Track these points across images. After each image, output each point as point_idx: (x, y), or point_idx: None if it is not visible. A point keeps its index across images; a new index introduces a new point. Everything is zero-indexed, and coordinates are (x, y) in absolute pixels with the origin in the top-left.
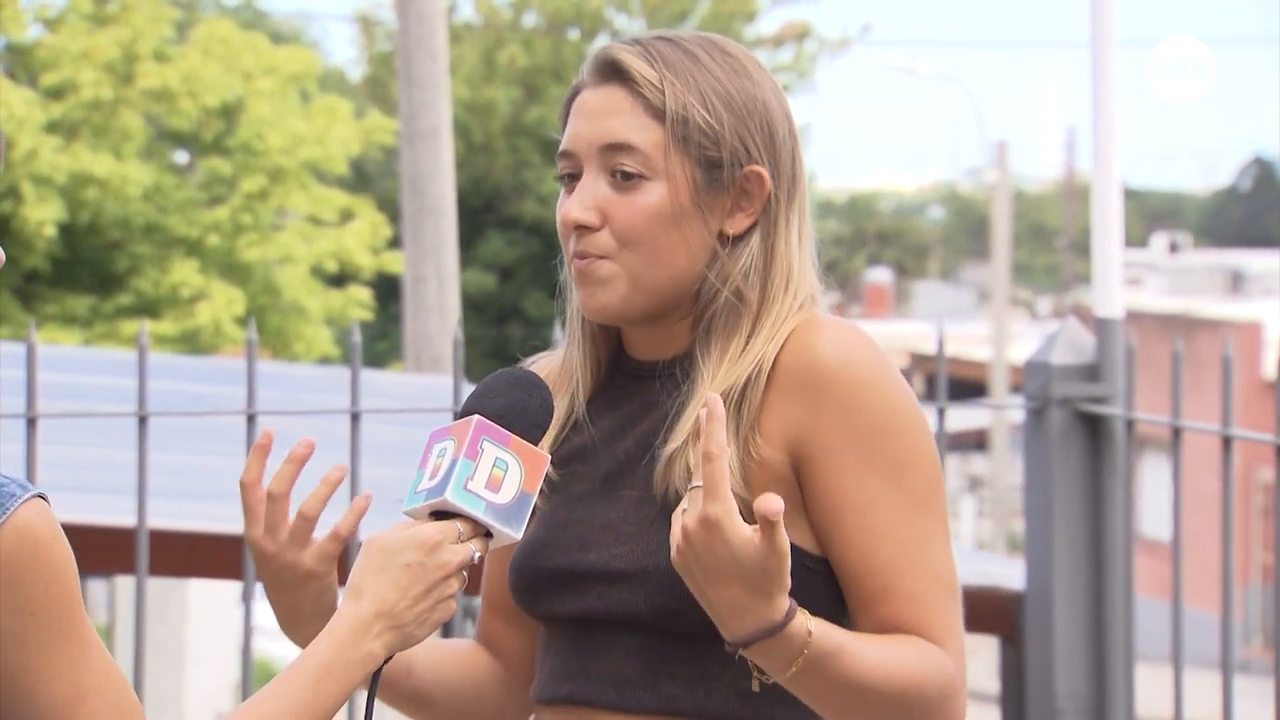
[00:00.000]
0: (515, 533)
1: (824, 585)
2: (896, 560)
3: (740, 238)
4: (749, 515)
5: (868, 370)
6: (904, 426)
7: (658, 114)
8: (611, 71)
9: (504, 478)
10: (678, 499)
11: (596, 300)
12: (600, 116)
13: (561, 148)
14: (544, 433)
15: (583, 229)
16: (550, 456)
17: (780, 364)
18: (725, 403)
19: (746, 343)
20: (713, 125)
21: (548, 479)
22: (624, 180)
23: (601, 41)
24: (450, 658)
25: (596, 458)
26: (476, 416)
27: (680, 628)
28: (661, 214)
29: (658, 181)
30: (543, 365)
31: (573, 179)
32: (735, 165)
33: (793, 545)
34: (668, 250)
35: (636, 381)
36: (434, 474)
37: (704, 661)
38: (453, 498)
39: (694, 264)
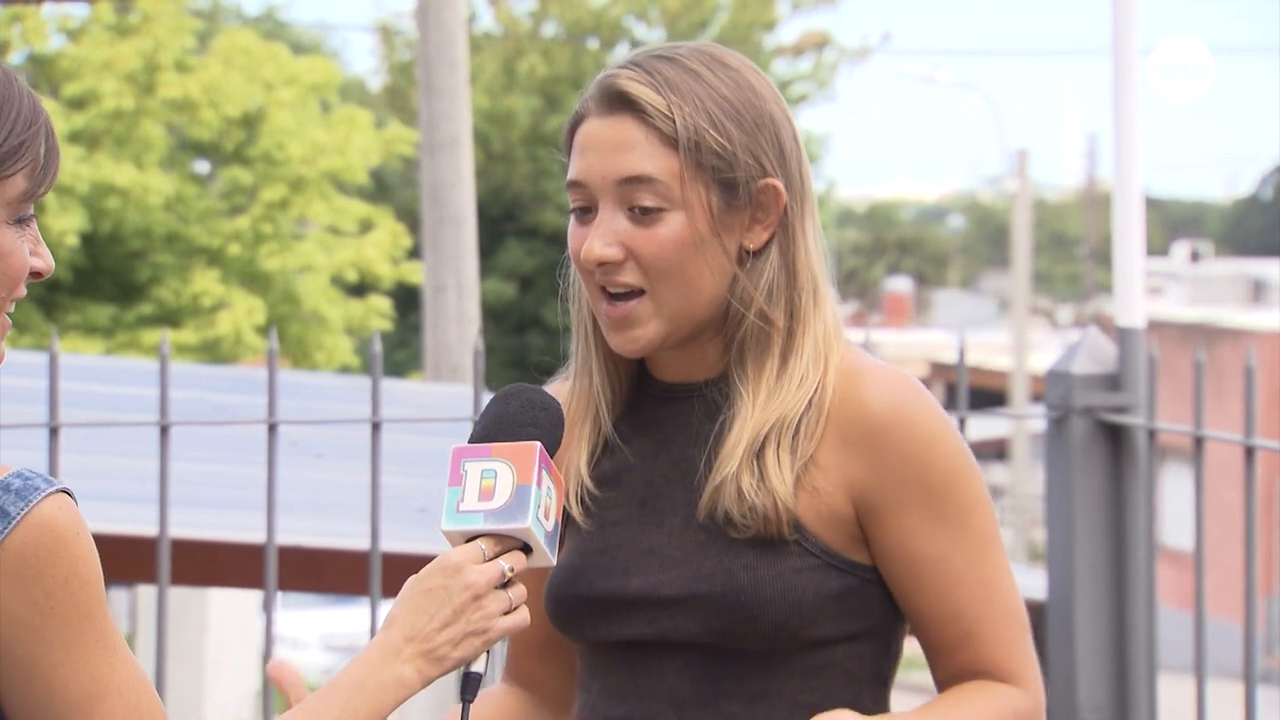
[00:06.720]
0: (523, 521)
1: (877, 595)
2: (975, 605)
3: (759, 252)
4: (797, 531)
5: (925, 423)
6: (963, 472)
7: (671, 143)
8: (619, 101)
9: (495, 484)
10: (728, 521)
11: (635, 342)
12: (612, 150)
13: (572, 178)
14: (538, 428)
15: (605, 264)
16: (540, 445)
17: (831, 408)
18: (779, 429)
19: (783, 362)
20: (725, 146)
21: (585, 500)
22: (643, 215)
23: (621, 50)
24: (493, 712)
25: (630, 482)
26: (453, 447)
27: (737, 647)
28: (686, 243)
29: (677, 211)
30: (557, 389)
31: (585, 211)
32: (750, 182)
33: (852, 561)
34: (696, 277)
35: (666, 404)
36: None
37: (763, 677)
38: (446, 526)
39: (720, 285)
